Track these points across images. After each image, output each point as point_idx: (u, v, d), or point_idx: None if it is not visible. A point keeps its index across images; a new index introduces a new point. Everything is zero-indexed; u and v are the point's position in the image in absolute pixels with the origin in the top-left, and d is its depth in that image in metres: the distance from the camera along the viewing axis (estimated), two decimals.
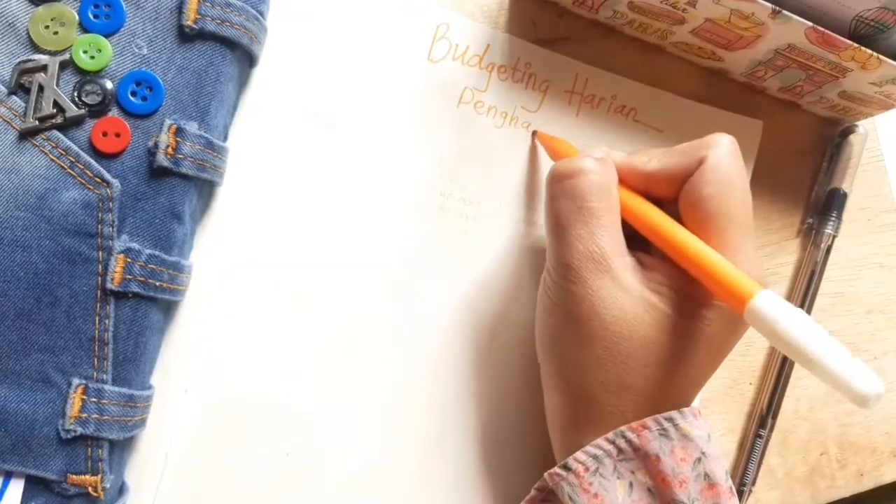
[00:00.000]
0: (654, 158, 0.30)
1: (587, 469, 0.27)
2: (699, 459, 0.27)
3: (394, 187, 0.35)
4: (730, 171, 0.28)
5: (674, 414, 0.27)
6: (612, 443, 0.27)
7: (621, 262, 0.28)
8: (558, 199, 0.29)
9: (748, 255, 0.28)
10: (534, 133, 0.37)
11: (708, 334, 0.28)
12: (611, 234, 0.28)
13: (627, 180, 0.30)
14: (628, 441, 0.27)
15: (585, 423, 0.28)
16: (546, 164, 0.37)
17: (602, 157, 0.30)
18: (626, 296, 0.27)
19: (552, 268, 0.29)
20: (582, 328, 0.28)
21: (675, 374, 0.28)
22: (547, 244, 0.30)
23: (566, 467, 0.27)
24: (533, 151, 0.37)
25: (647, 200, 0.30)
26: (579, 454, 0.27)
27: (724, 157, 0.28)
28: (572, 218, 0.28)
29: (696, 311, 0.28)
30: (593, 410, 0.28)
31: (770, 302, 0.24)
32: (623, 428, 0.27)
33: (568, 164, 0.29)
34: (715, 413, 0.39)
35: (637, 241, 0.29)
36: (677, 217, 0.29)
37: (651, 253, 0.29)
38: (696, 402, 0.38)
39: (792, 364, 0.39)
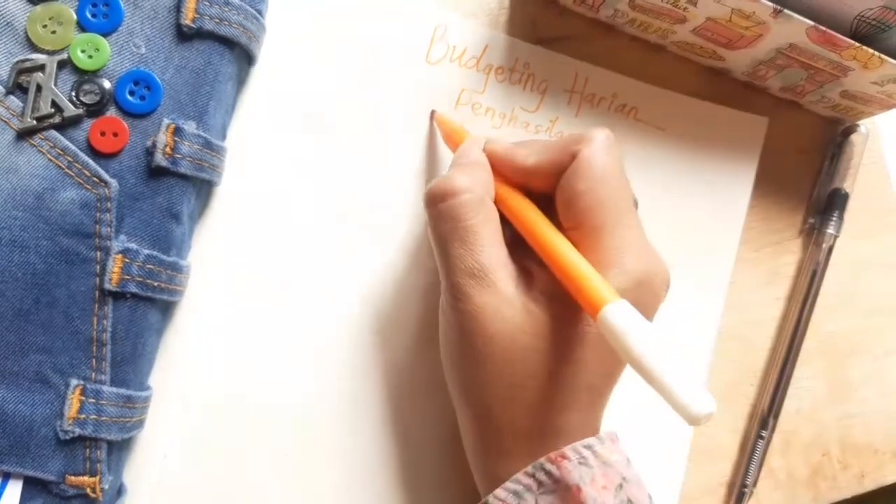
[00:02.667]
0: (532, 153, 0.29)
1: None
2: (620, 486, 0.26)
3: (392, 189, 0.35)
4: (603, 164, 0.28)
5: (592, 441, 0.26)
6: (532, 476, 0.26)
7: (503, 272, 0.27)
8: (436, 221, 0.29)
9: (629, 248, 0.27)
10: (432, 113, 0.36)
11: (592, 336, 0.27)
12: (490, 248, 0.28)
13: (507, 173, 0.30)
14: (548, 473, 0.26)
15: (489, 444, 0.28)
16: (443, 149, 0.36)
17: (475, 160, 0.30)
18: (508, 307, 0.27)
19: (443, 289, 0.29)
20: (473, 346, 0.27)
21: (563, 380, 0.27)
22: (437, 265, 0.30)
23: None
24: (431, 134, 0.36)
25: (529, 196, 0.29)
26: (499, 491, 0.26)
27: (596, 152, 0.28)
28: (451, 238, 0.28)
29: (575, 315, 0.27)
30: (493, 429, 0.28)
31: (619, 314, 0.23)
32: (542, 460, 0.26)
33: (440, 185, 0.28)
34: (716, 414, 0.39)
35: (527, 245, 0.29)
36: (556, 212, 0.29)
37: (538, 259, 0.29)
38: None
39: (793, 365, 0.39)
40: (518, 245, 0.29)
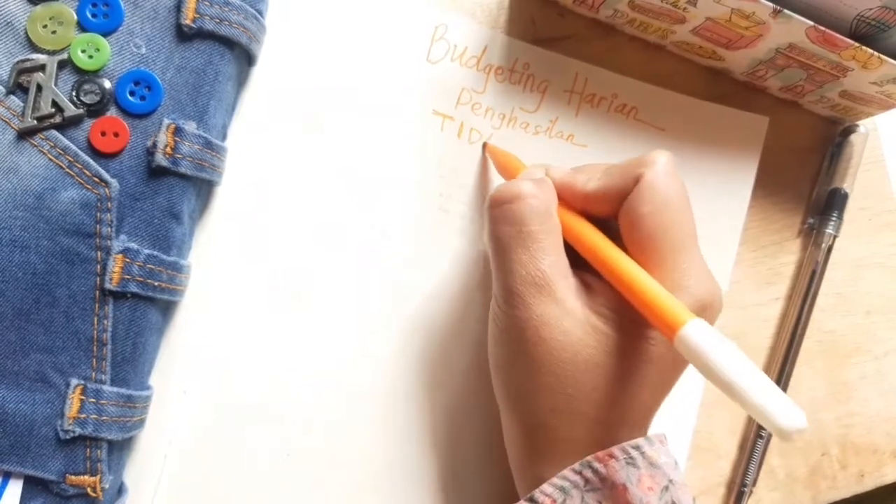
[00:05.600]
0: (593, 178, 0.29)
1: (554, 501, 0.26)
2: (666, 487, 0.26)
3: (392, 188, 0.35)
4: (666, 188, 0.28)
5: (640, 441, 0.27)
6: (579, 473, 0.26)
7: (564, 284, 0.27)
8: (498, 224, 0.28)
9: (692, 272, 0.27)
10: (484, 145, 0.36)
11: (655, 354, 0.27)
12: (552, 257, 0.28)
13: (568, 200, 0.30)
14: (595, 471, 0.26)
15: (540, 451, 0.28)
16: (496, 178, 0.36)
17: (541, 178, 0.30)
18: (569, 319, 0.27)
19: (497, 294, 0.29)
20: (528, 355, 0.27)
21: (624, 397, 0.27)
22: (492, 270, 0.29)
23: (533, 500, 0.27)
24: (483, 164, 0.36)
25: (588, 220, 0.29)
26: (545, 486, 0.26)
27: (660, 175, 0.28)
28: (513, 243, 0.28)
29: (640, 332, 0.27)
30: (546, 438, 0.28)
31: (699, 333, 0.23)
32: (590, 457, 0.26)
33: (506, 188, 0.29)
34: (716, 414, 0.39)
35: (582, 260, 0.29)
36: (619, 236, 0.29)
37: (596, 273, 0.29)
38: (696, 404, 0.38)
39: (793, 365, 0.39)
40: (575, 262, 0.29)
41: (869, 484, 0.41)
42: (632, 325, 0.27)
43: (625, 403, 0.27)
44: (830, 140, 0.42)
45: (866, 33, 0.35)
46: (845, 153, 0.41)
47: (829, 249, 0.40)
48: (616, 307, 0.27)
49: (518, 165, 0.33)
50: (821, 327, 0.41)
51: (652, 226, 0.27)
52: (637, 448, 0.26)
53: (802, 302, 0.40)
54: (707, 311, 0.27)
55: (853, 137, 0.41)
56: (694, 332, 0.23)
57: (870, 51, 0.33)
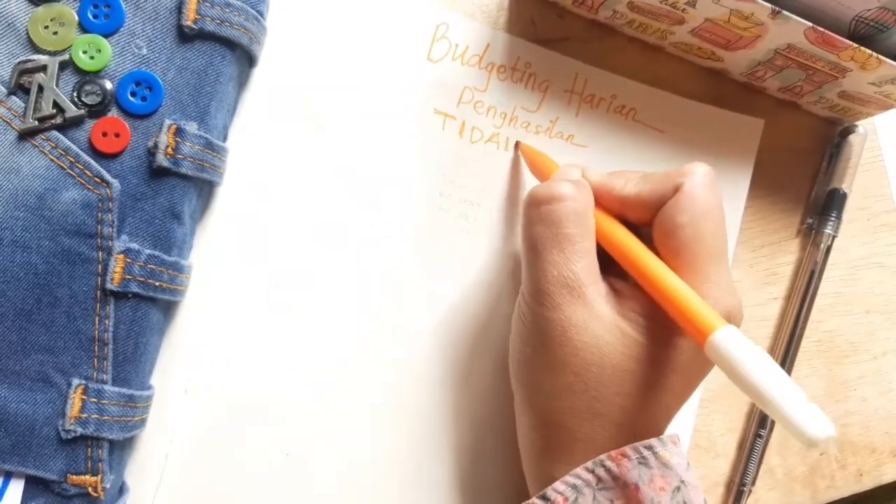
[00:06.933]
0: (630, 182, 0.30)
1: (566, 499, 0.26)
2: (678, 488, 0.26)
3: (393, 187, 0.35)
4: (705, 199, 0.28)
5: (653, 442, 0.27)
6: (592, 472, 0.27)
7: (595, 288, 0.28)
8: (535, 224, 0.29)
9: (721, 283, 0.28)
10: (516, 144, 0.37)
11: (681, 363, 0.28)
12: (586, 260, 0.28)
13: (603, 202, 0.30)
14: (607, 470, 0.26)
15: (556, 451, 0.28)
16: (528, 176, 0.37)
17: (579, 179, 0.30)
18: (598, 323, 0.27)
19: (526, 292, 0.29)
20: (553, 354, 0.28)
21: (647, 403, 0.28)
22: (522, 268, 0.30)
23: (545, 497, 0.27)
24: (515, 162, 0.37)
25: (622, 224, 0.30)
26: (558, 484, 0.27)
27: (699, 186, 0.28)
28: (548, 243, 0.28)
29: (669, 340, 0.27)
30: (563, 438, 0.28)
31: (730, 339, 0.24)
32: (602, 456, 0.27)
33: (545, 189, 0.29)
34: (715, 413, 0.39)
35: (612, 266, 0.29)
36: (651, 241, 0.29)
37: (626, 279, 0.29)
38: (695, 403, 0.38)
39: (791, 364, 0.39)
40: (602, 265, 0.29)
41: (867, 483, 0.41)
42: (661, 332, 0.27)
43: (647, 409, 0.28)
44: (829, 140, 0.42)
45: (865, 34, 0.35)
46: (844, 153, 0.41)
47: (828, 249, 0.40)
48: (646, 313, 0.28)
49: (551, 165, 0.33)
50: (819, 327, 0.41)
51: (689, 235, 0.28)
52: (650, 448, 0.27)
53: (801, 302, 0.40)
54: (731, 322, 0.27)
55: (852, 138, 0.41)
56: (725, 338, 0.24)
57: (868, 51, 0.33)
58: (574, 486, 0.26)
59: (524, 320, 0.29)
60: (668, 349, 0.27)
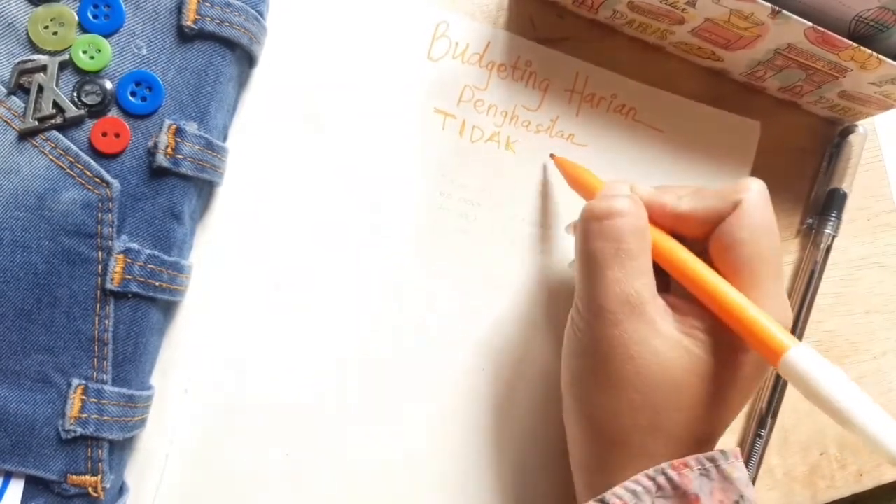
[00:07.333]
0: (684, 198, 0.30)
1: None
2: (737, 502, 0.26)
3: (393, 187, 0.35)
4: (764, 215, 0.28)
5: (716, 454, 0.27)
6: (653, 479, 0.27)
7: (655, 305, 0.28)
8: (595, 239, 0.28)
9: (780, 300, 0.28)
10: (551, 156, 0.36)
11: (742, 378, 0.28)
12: (647, 277, 0.28)
13: (655, 218, 0.30)
14: (668, 479, 0.26)
15: (614, 465, 0.28)
16: (559, 185, 0.36)
17: (632, 195, 0.30)
18: (660, 340, 0.27)
19: (584, 308, 0.29)
20: (614, 371, 0.27)
21: (708, 418, 0.28)
22: (578, 283, 0.30)
23: (603, 501, 0.27)
24: (546, 175, 0.37)
25: (674, 239, 0.30)
26: (618, 489, 0.27)
27: (758, 203, 0.28)
28: (609, 259, 0.28)
29: (730, 356, 0.28)
30: (624, 453, 0.28)
31: (805, 357, 0.24)
32: (664, 465, 0.26)
33: (605, 204, 0.29)
34: None
35: (664, 281, 0.29)
36: (703, 255, 0.29)
37: (674, 293, 0.29)
38: None
39: None
40: (659, 279, 0.29)
41: (867, 483, 0.41)
42: (723, 348, 0.27)
43: (708, 424, 0.28)
44: (829, 140, 0.42)
45: (865, 34, 0.35)
46: (844, 153, 0.41)
47: (828, 249, 0.40)
48: (707, 329, 0.28)
49: (592, 179, 0.33)
50: (819, 327, 0.41)
51: (749, 252, 0.28)
52: (712, 461, 0.27)
53: (801, 301, 0.40)
54: None
55: (852, 138, 0.41)
56: (801, 357, 0.24)
57: (868, 51, 0.33)
58: (634, 492, 0.26)
59: (580, 337, 0.29)
60: (729, 365, 0.28)
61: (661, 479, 0.26)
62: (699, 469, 0.26)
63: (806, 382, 0.24)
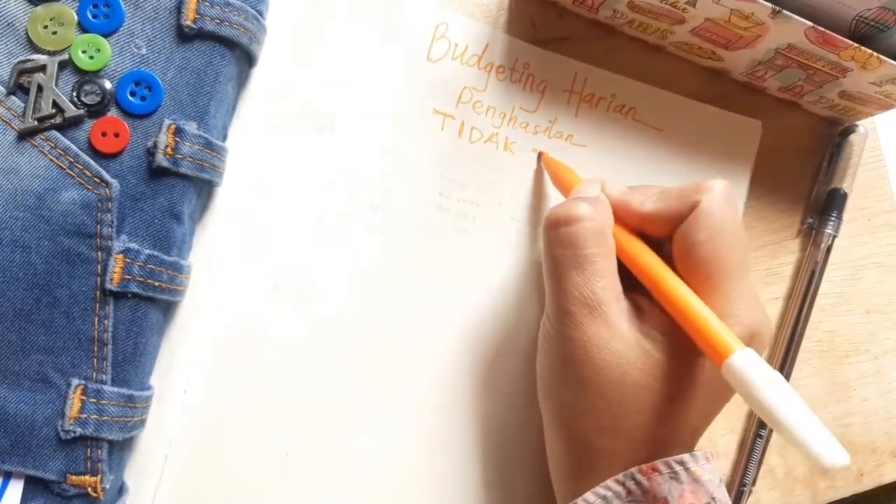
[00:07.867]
0: (649, 199, 0.30)
1: None
2: None
3: (393, 187, 0.35)
4: (723, 216, 0.28)
5: (685, 457, 0.27)
6: (622, 484, 0.27)
7: (616, 307, 0.28)
8: (554, 246, 0.29)
9: (743, 299, 0.28)
10: (539, 155, 0.37)
11: (704, 380, 0.28)
12: (606, 279, 0.28)
13: (623, 218, 0.30)
14: (638, 483, 0.26)
15: (583, 467, 0.28)
16: (550, 185, 0.37)
17: (597, 196, 0.30)
18: (620, 341, 0.27)
19: (550, 312, 0.29)
20: (576, 373, 0.28)
21: (671, 420, 0.28)
22: (545, 288, 0.30)
23: None
24: (538, 172, 0.37)
25: (642, 240, 0.30)
26: (588, 495, 0.27)
27: (716, 203, 0.28)
28: (568, 264, 0.28)
29: (690, 359, 0.28)
30: (589, 454, 0.28)
31: (746, 362, 0.24)
32: (633, 469, 0.27)
33: (563, 210, 0.29)
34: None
35: (637, 281, 0.29)
36: (671, 258, 0.29)
37: (643, 293, 0.29)
38: None
39: (792, 364, 0.39)
40: (626, 280, 0.29)
41: (868, 483, 0.41)
42: (682, 350, 0.27)
43: (671, 425, 0.28)
44: (830, 140, 0.42)
45: (865, 34, 0.35)
46: (844, 153, 0.41)
47: (829, 249, 0.40)
48: (667, 331, 0.28)
49: (573, 178, 0.34)
50: (820, 327, 0.41)
51: (706, 253, 0.28)
52: (681, 463, 0.27)
53: (802, 302, 0.40)
54: (755, 340, 0.27)
55: (852, 137, 0.41)
56: (742, 361, 0.24)
57: (869, 51, 0.33)
58: (604, 498, 0.27)
59: (549, 339, 0.29)
60: (689, 367, 0.28)
61: (631, 484, 0.27)
62: (668, 472, 0.26)
63: (745, 387, 0.23)
